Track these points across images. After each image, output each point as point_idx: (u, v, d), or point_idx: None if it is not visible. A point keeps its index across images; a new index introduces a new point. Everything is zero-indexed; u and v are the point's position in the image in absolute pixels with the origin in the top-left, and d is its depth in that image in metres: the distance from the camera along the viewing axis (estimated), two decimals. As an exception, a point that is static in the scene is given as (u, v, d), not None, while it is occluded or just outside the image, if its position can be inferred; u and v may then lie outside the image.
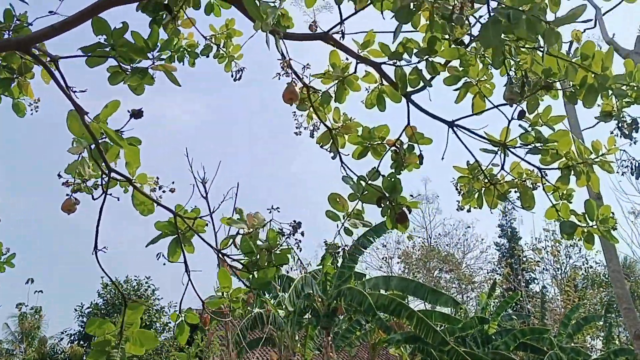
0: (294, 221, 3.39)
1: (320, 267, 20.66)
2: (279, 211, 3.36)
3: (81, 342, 27.08)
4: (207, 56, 5.62)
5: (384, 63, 4.14)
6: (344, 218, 4.45)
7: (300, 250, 3.89)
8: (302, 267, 20.91)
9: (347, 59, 4.73)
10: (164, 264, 3.81)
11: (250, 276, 3.59)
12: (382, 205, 4.24)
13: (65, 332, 28.05)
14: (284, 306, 17.96)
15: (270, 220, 3.35)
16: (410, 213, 4.16)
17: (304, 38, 4.15)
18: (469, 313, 27.62)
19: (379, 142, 4.69)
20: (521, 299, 32.59)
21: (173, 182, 3.95)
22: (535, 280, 42.43)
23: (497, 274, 41.95)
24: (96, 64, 3.85)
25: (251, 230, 3.32)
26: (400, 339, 20.03)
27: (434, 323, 19.49)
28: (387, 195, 4.27)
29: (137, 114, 3.93)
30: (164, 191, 3.92)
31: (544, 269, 39.26)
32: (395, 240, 43.07)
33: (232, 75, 5.61)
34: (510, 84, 3.31)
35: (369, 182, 4.44)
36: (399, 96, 4.44)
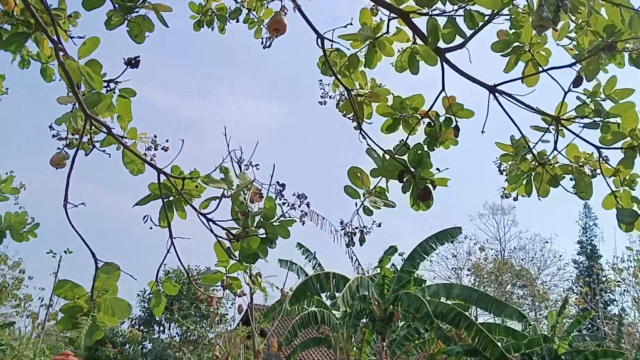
0: (277, 182, 2.89)
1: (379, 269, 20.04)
2: (258, 168, 2.87)
3: (141, 327, 27.63)
4: (237, 20, 5.24)
5: (415, 12, 3.56)
6: (364, 195, 3.92)
7: (303, 224, 3.39)
8: (360, 268, 20.33)
9: (380, 19, 4.21)
10: (151, 228, 3.42)
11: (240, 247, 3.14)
12: (405, 180, 3.68)
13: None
14: (338, 306, 17.44)
15: (253, 181, 2.87)
16: (434, 189, 3.56)
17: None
18: (539, 330, 26.04)
19: (412, 113, 4.11)
20: (598, 319, 30.49)
21: (167, 140, 3.55)
22: (615, 302, 39.76)
23: (574, 292, 39.64)
24: (93, 6, 3.54)
25: (233, 191, 2.85)
26: (460, 350, 19.08)
27: (497, 337, 18.39)
28: (411, 169, 3.71)
29: (133, 62, 3.58)
30: (156, 149, 3.53)
31: (624, 290, 36.63)
32: (466, 251, 41.70)
33: (261, 42, 5.18)
34: (540, 7, 2.65)
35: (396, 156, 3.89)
36: (434, 57, 3.86)
